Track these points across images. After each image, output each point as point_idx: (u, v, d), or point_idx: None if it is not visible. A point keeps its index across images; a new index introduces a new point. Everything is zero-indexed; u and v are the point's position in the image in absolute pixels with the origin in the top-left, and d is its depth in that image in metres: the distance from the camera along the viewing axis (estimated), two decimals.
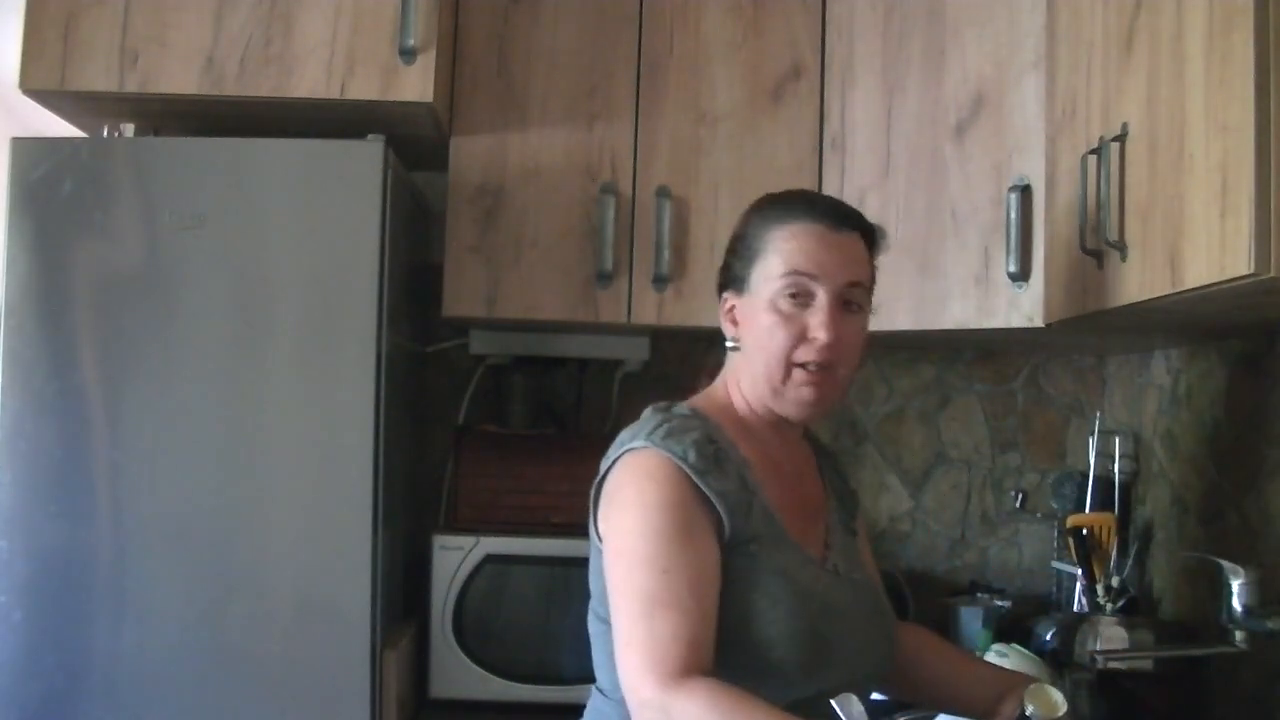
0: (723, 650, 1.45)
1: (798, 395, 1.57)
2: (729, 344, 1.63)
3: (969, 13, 2.24)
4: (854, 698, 1.40)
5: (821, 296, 1.56)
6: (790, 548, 1.55)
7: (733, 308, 1.63)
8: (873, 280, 1.64)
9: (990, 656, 2.10)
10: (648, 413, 1.59)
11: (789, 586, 1.50)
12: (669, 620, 1.41)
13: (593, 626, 1.60)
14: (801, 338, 1.55)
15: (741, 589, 1.48)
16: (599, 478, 1.57)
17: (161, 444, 2.09)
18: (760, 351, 1.57)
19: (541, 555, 2.39)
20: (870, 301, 1.63)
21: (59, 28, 2.21)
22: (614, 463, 1.54)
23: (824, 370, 1.56)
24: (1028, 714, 1.50)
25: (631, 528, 1.48)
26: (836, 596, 1.57)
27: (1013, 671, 1.80)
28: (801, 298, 1.56)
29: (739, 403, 1.63)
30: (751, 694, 1.38)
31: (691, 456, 1.48)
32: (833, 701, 1.39)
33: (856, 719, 1.39)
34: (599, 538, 1.55)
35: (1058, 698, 1.52)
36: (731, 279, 1.63)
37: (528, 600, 2.41)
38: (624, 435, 1.56)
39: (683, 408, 1.60)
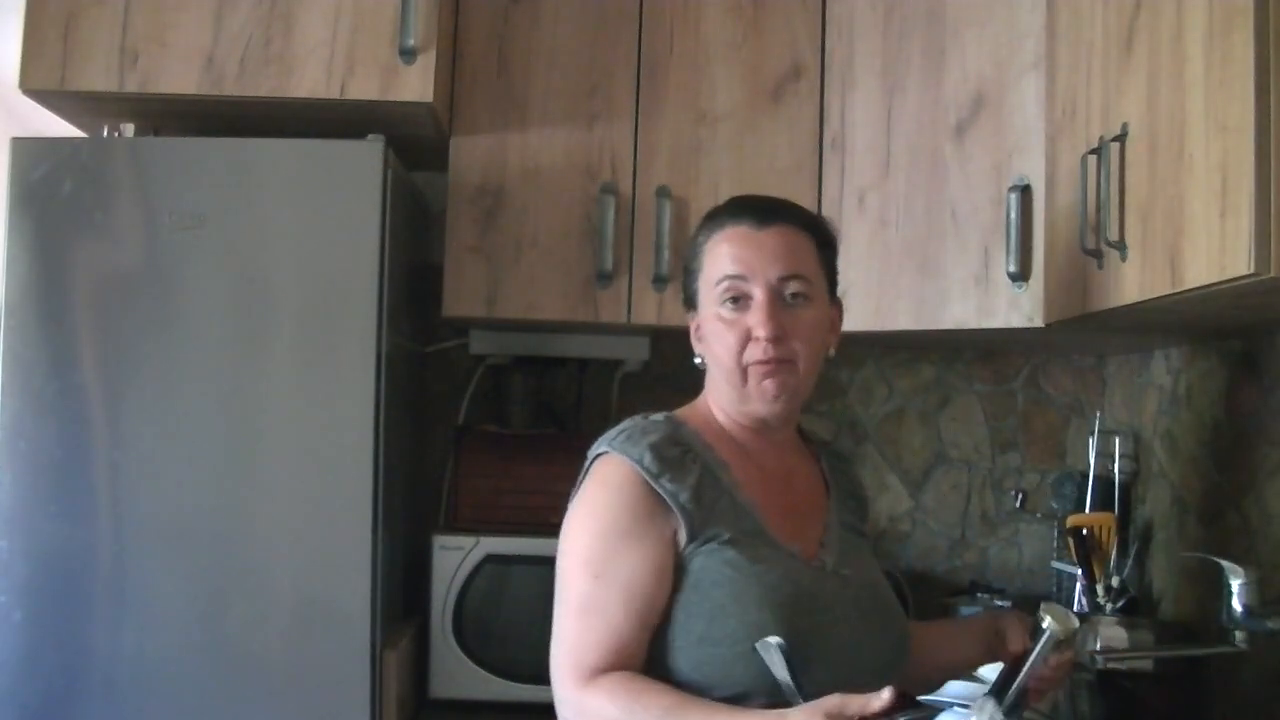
0: (699, 646, 1.49)
1: (760, 393, 1.59)
2: (697, 360, 1.67)
3: (969, 13, 2.24)
4: (775, 643, 1.42)
5: (757, 294, 1.58)
6: (768, 544, 1.55)
7: (697, 326, 1.66)
8: (825, 269, 1.65)
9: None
10: (624, 422, 1.62)
11: (759, 581, 1.51)
12: (594, 627, 1.49)
13: None
14: (747, 338, 1.58)
15: (707, 585, 1.50)
16: (575, 491, 1.60)
17: (161, 444, 2.09)
18: (716, 361, 1.61)
19: (541, 555, 2.36)
20: (823, 291, 1.63)
21: (59, 28, 2.21)
22: (584, 473, 1.59)
23: (780, 364, 1.58)
24: (1044, 627, 1.47)
25: (576, 530, 1.55)
26: (821, 592, 1.57)
27: (994, 612, 1.81)
28: (741, 301, 1.58)
29: (718, 414, 1.66)
30: (655, 682, 1.46)
31: (646, 459, 1.52)
32: (756, 646, 1.42)
33: (777, 666, 1.41)
34: None
35: (1069, 612, 1.51)
36: (687, 299, 1.68)
37: (528, 600, 2.40)
38: (594, 446, 1.60)
39: (657, 415, 1.63)
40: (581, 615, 1.50)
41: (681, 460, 1.54)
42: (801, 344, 1.58)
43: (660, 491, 1.51)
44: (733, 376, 1.60)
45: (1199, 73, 1.50)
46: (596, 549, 1.52)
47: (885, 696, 1.33)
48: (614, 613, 1.49)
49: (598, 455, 1.58)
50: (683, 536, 1.52)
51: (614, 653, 1.48)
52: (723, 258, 1.60)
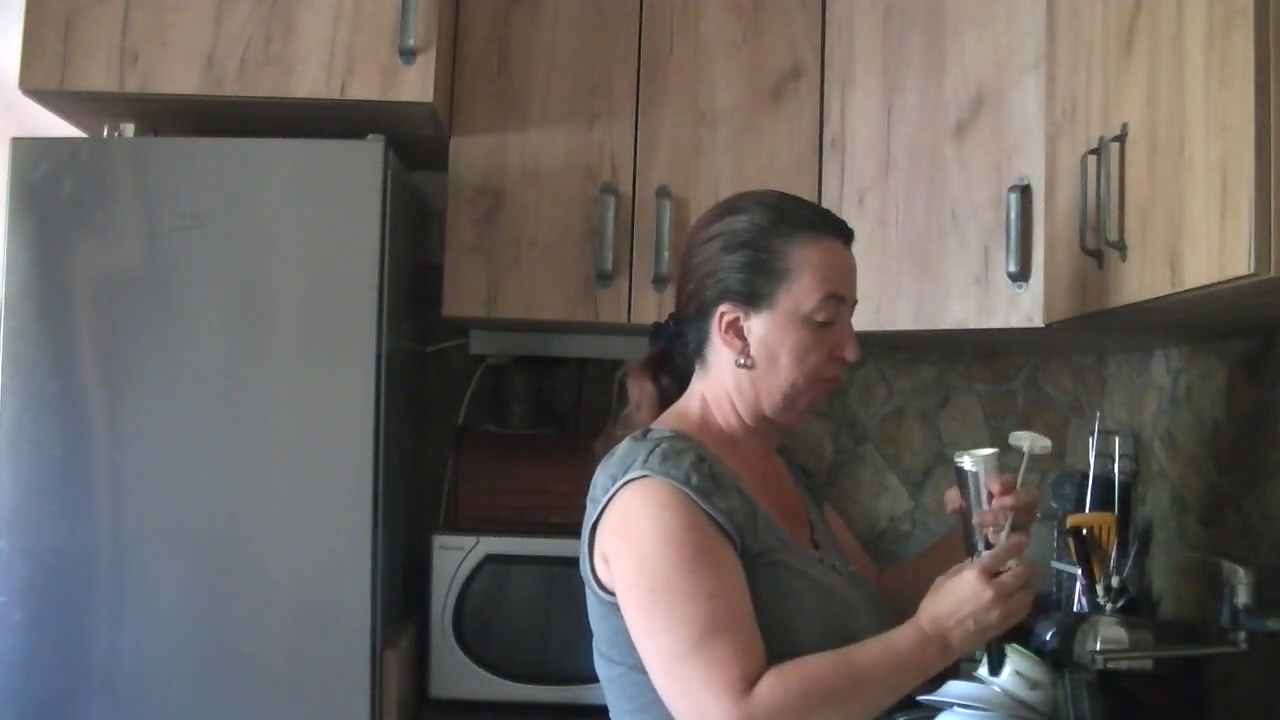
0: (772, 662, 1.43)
1: (808, 406, 1.59)
2: (740, 361, 1.56)
3: (969, 13, 2.24)
4: (1027, 434, 1.50)
5: (846, 317, 1.59)
6: (798, 552, 1.54)
7: (735, 320, 1.57)
8: None
9: None
10: (628, 443, 1.52)
11: (813, 589, 1.50)
12: (726, 644, 1.40)
13: (605, 670, 1.55)
14: (830, 356, 1.57)
15: (770, 602, 1.46)
16: (593, 519, 1.51)
17: (161, 444, 2.09)
18: (788, 370, 1.56)
19: (541, 555, 2.39)
20: None
21: (59, 28, 2.21)
22: (611, 499, 1.48)
23: (835, 383, 1.60)
24: (965, 468, 1.53)
25: (660, 562, 1.43)
26: (848, 592, 1.57)
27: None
28: (829, 317, 1.57)
29: (725, 417, 1.60)
30: (803, 659, 1.41)
31: (694, 479, 1.45)
32: (1011, 440, 1.50)
33: (1040, 451, 1.49)
34: (599, 583, 1.51)
35: (981, 448, 1.54)
36: (737, 292, 1.56)
37: (528, 600, 2.41)
38: (612, 469, 1.50)
39: (663, 430, 1.54)
40: (711, 639, 1.40)
41: (715, 477, 1.48)
42: None
43: (713, 512, 1.44)
44: (796, 388, 1.56)
45: (1199, 73, 1.49)
46: (696, 573, 1.42)
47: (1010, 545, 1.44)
48: (742, 622, 1.42)
49: (627, 483, 1.47)
50: (739, 553, 1.47)
51: (755, 659, 1.40)
52: (829, 271, 1.56)
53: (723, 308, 1.57)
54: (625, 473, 1.47)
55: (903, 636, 1.43)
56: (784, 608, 1.46)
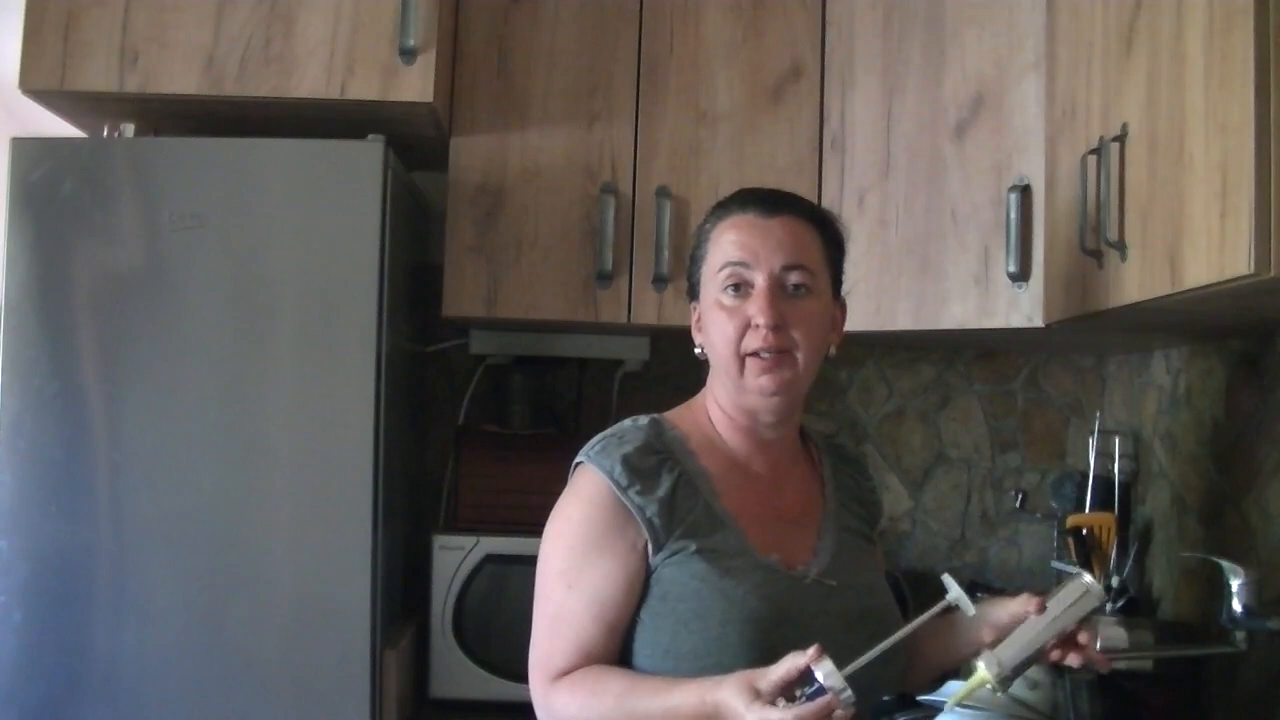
0: (663, 659, 1.49)
1: (757, 385, 1.56)
2: (697, 351, 1.65)
3: (969, 13, 2.24)
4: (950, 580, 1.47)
5: (759, 282, 1.56)
6: (742, 555, 1.52)
7: (698, 316, 1.65)
8: (829, 265, 1.62)
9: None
10: (610, 428, 1.62)
11: (724, 595, 1.48)
12: (563, 635, 1.51)
13: None
14: (746, 327, 1.56)
15: (673, 599, 1.50)
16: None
17: (161, 444, 2.09)
18: (714, 349, 1.60)
19: None
20: (826, 285, 1.60)
21: (59, 28, 2.21)
22: (569, 481, 1.61)
23: (778, 355, 1.55)
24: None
25: (552, 541, 1.57)
26: (795, 604, 1.51)
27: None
28: (743, 288, 1.57)
29: (715, 410, 1.63)
30: (613, 669, 1.49)
31: (616, 470, 1.52)
32: (944, 578, 1.47)
33: (956, 599, 1.45)
34: None
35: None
36: (690, 288, 1.67)
37: (528, 600, 2.39)
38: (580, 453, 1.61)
39: (643, 419, 1.62)
40: (553, 624, 1.53)
41: (656, 470, 1.53)
42: (801, 335, 1.55)
43: (627, 503, 1.51)
44: (730, 366, 1.57)
45: (1199, 73, 1.50)
46: (569, 560, 1.54)
47: (789, 663, 1.33)
48: (583, 622, 1.51)
49: (577, 465, 1.59)
50: (650, 548, 1.51)
51: (582, 656, 1.50)
52: (727, 244, 1.59)
53: (691, 307, 1.68)
54: (578, 457, 1.59)
55: (687, 702, 1.39)
56: (682, 608, 1.49)
